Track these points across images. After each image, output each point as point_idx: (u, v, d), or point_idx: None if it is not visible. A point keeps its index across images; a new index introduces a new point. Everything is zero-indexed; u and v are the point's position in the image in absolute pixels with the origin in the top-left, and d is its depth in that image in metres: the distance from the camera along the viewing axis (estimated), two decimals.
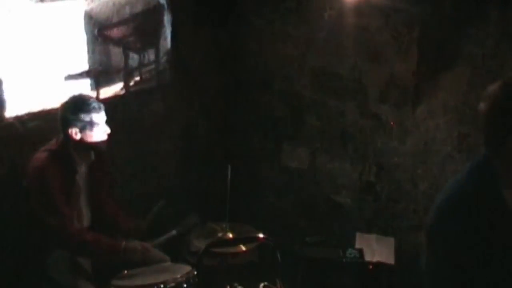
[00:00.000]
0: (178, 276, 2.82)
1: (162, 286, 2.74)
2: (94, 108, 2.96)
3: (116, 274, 2.92)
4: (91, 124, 2.95)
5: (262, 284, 3.09)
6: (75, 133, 2.93)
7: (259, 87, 4.42)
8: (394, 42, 3.84)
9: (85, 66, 3.77)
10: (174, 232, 3.25)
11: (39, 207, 2.89)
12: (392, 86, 3.92)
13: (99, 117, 2.99)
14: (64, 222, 2.90)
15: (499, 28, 3.58)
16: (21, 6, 3.22)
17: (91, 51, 3.78)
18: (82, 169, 3.10)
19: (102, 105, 3.02)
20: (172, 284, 2.76)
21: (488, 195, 1.69)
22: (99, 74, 3.82)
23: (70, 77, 3.65)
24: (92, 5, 3.69)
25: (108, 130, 3.02)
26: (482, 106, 1.73)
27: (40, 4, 3.29)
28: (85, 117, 2.93)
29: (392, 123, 3.97)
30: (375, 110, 4.01)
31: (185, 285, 2.80)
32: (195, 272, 2.88)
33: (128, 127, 3.80)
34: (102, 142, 3.02)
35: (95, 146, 3.01)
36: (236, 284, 3.07)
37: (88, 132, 2.95)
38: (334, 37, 4.05)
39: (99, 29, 3.74)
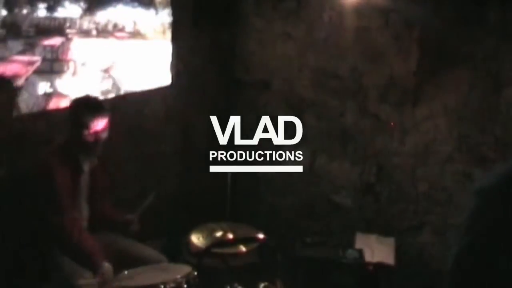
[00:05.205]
0: (178, 276, 2.81)
1: (162, 286, 2.73)
2: (104, 109, 2.99)
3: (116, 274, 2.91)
4: (98, 125, 2.96)
5: (262, 284, 3.08)
6: (84, 134, 2.94)
7: (259, 87, 4.41)
8: (394, 42, 3.85)
9: None
10: (152, 197, 3.30)
11: (44, 205, 2.90)
12: (392, 86, 3.93)
13: (105, 118, 3.00)
14: (65, 223, 2.90)
15: (499, 28, 3.58)
16: None
17: None
18: (86, 170, 3.11)
19: (108, 108, 3.03)
20: (172, 284, 2.75)
21: None
22: None
23: None
24: None
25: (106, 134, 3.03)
26: None
27: None
28: (95, 118, 2.94)
29: (392, 123, 3.97)
30: (375, 110, 4.01)
31: (185, 286, 2.78)
32: (195, 273, 2.87)
33: (128, 127, 3.80)
34: (104, 143, 3.03)
35: (98, 147, 3.02)
36: (236, 285, 3.06)
37: (94, 133, 2.96)
38: (334, 37, 4.05)
39: None
